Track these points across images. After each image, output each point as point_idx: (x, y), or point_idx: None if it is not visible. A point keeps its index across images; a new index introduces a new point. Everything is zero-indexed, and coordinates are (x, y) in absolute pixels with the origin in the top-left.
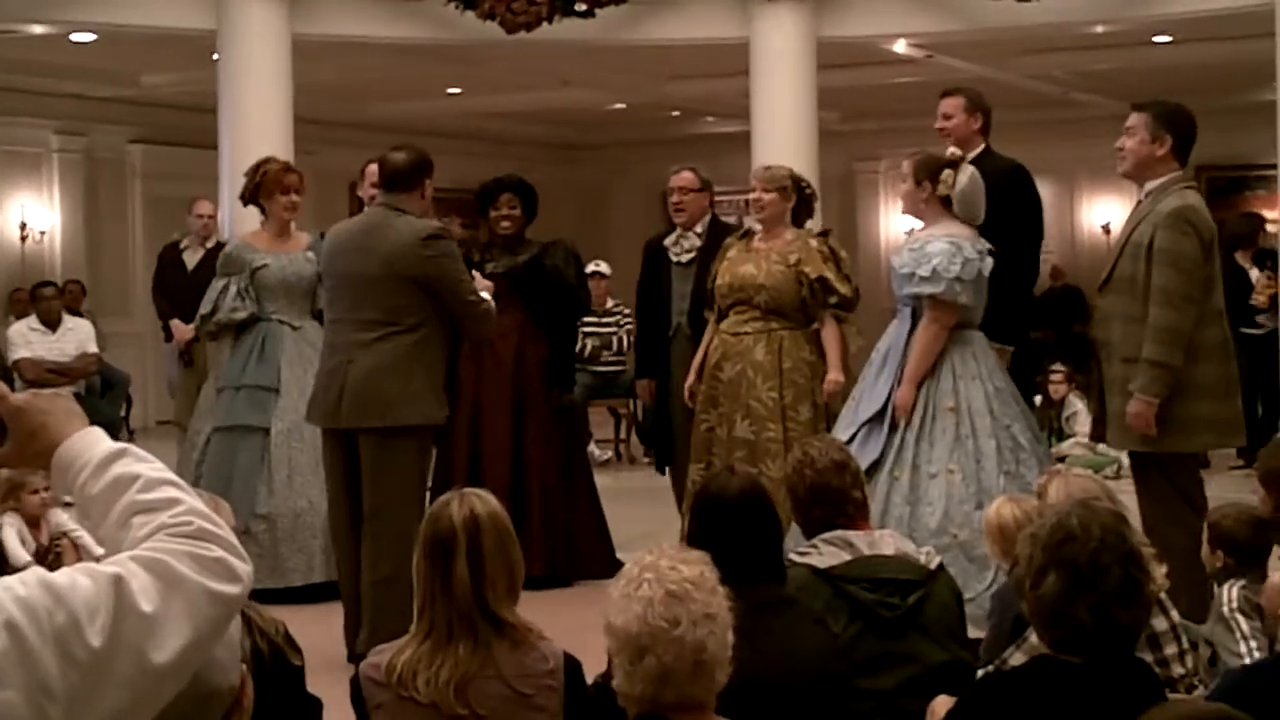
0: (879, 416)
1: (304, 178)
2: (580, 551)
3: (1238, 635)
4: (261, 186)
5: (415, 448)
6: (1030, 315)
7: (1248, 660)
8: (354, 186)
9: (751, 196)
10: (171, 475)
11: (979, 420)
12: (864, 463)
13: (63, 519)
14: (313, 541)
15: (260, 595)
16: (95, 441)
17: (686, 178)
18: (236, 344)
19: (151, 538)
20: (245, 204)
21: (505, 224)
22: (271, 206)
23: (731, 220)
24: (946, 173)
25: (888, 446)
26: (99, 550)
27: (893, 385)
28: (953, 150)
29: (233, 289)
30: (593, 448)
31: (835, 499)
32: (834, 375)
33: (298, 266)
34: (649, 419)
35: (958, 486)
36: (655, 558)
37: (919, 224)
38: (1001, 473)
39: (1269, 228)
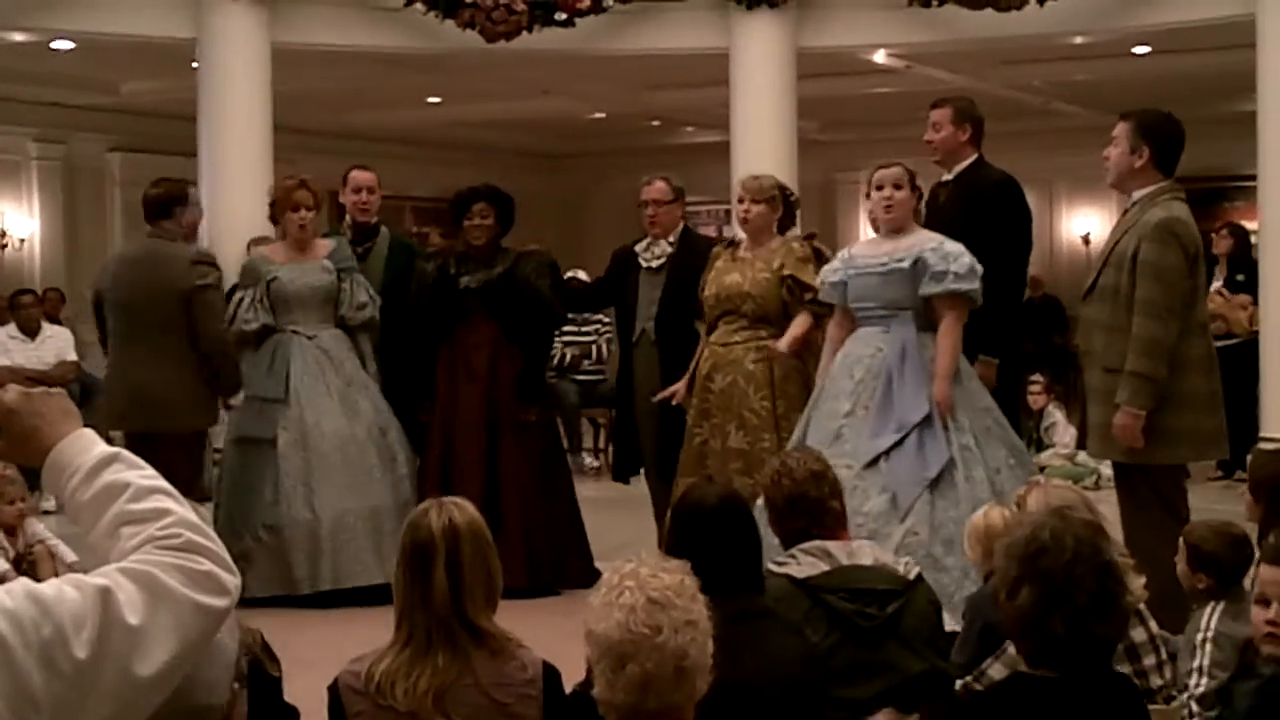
0: (928, 420)
1: (318, 191)
2: (561, 562)
3: (1195, 664)
4: (276, 204)
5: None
6: (1018, 327)
7: (1187, 693)
8: (335, 195)
9: (739, 207)
10: (162, 483)
11: (998, 418)
12: (936, 467)
13: (38, 528)
14: (318, 550)
15: (267, 601)
16: (88, 446)
17: (659, 188)
18: (255, 356)
19: (140, 549)
20: (273, 224)
21: (478, 234)
22: (285, 223)
23: (710, 230)
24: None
25: (950, 447)
26: (72, 557)
27: (928, 389)
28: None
29: (246, 300)
30: (583, 456)
31: (813, 509)
32: (778, 345)
33: (311, 277)
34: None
35: (1021, 480)
36: (635, 566)
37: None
38: (1032, 469)
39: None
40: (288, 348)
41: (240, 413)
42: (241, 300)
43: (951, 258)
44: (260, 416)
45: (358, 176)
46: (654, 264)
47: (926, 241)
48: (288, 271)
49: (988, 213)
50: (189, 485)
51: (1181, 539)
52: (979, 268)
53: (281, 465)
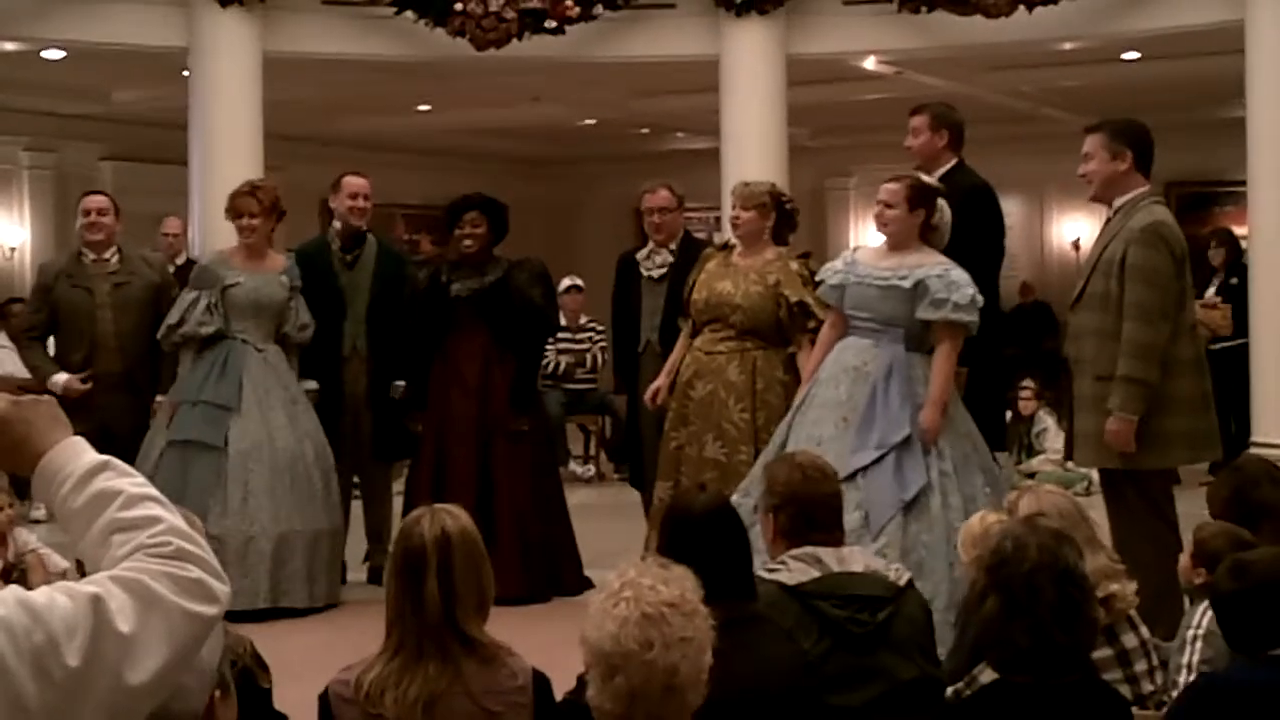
0: (908, 441)
1: (270, 197)
2: (555, 571)
3: (1184, 660)
4: (228, 212)
5: None
6: (991, 336)
7: (1177, 690)
8: (324, 202)
9: (730, 213)
10: (153, 491)
11: (979, 443)
12: (913, 489)
13: (28, 537)
14: (259, 567)
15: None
16: (78, 454)
17: (664, 197)
18: (198, 359)
19: (130, 557)
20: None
21: (468, 242)
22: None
23: (702, 236)
24: (941, 203)
25: (929, 472)
26: (64, 565)
27: (912, 410)
28: (937, 183)
29: (203, 302)
30: (574, 466)
31: (826, 507)
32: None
33: (270, 289)
34: (619, 434)
35: (995, 508)
36: (637, 574)
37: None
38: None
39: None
40: (241, 357)
41: (183, 416)
42: (197, 301)
43: (955, 287)
44: (207, 421)
45: (351, 182)
46: (655, 274)
47: (933, 265)
48: (249, 279)
49: (959, 220)
50: None
51: (1192, 533)
52: (980, 300)
53: (230, 474)
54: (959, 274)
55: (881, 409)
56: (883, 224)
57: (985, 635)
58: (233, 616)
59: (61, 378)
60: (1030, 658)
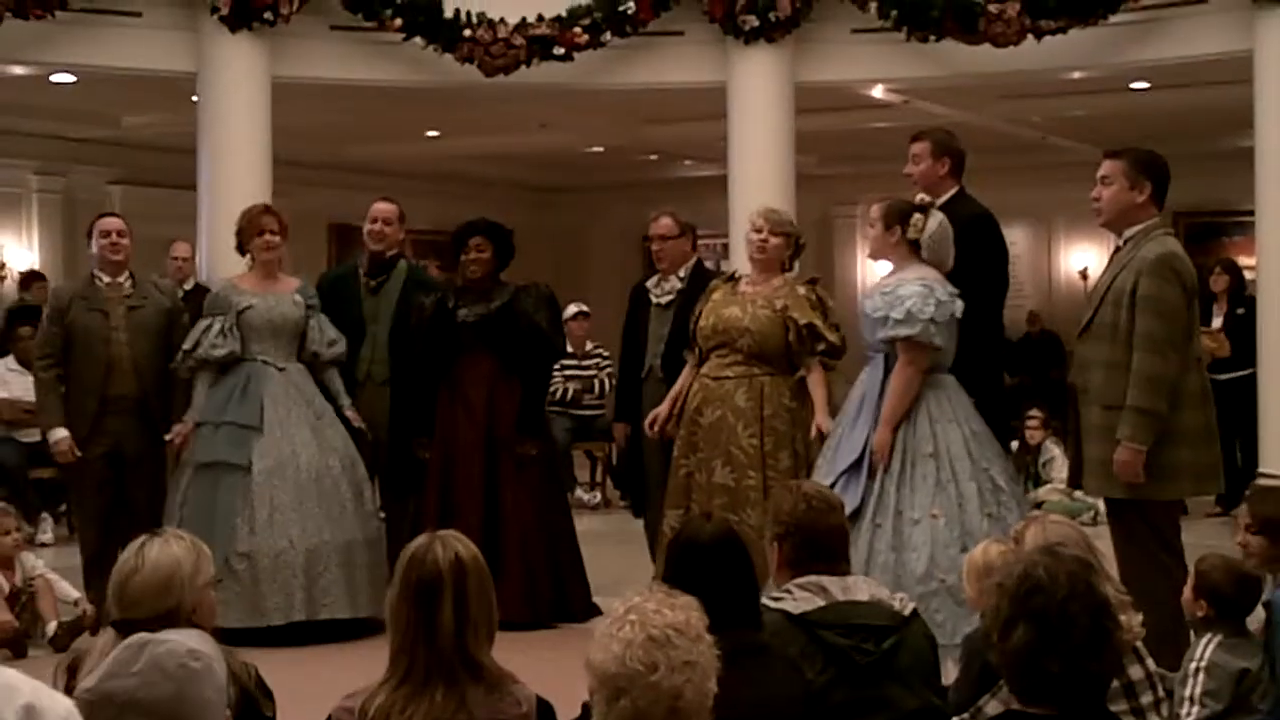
0: (857, 464)
1: (284, 220)
2: (561, 597)
3: (1186, 693)
4: (244, 231)
5: None
6: (998, 365)
7: None
8: (331, 227)
9: (756, 237)
10: None
11: (959, 464)
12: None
13: (35, 561)
14: (293, 580)
15: (240, 634)
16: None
17: (665, 224)
18: (219, 382)
19: None
20: (241, 254)
21: (473, 267)
22: (253, 249)
23: (708, 264)
24: (916, 217)
25: (868, 493)
26: (75, 594)
27: (869, 432)
28: (922, 196)
29: (216, 327)
30: (580, 492)
31: (831, 537)
32: (820, 420)
33: (285, 308)
34: (622, 462)
35: (941, 531)
36: (642, 599)
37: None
38: (984, 515)
39: (1245, 274)
40: (261, 377)
41: (208, 437)
42: (210, 326)
43: (897, 302)
44: (232, 442)
45: (375, 207)
46: (663, 300)
47: (887, 284)
48: (262, 301)
49: (961, 249)
50: None
51: (1194, 565)
52: (926, 312)
53: (257, 492)
54: (908, 289)
55: (845, 435)
56: (868, 242)
57: (1013, 664)
58: (273, 633)
59: (61, 434)
60: (1060, 685)
